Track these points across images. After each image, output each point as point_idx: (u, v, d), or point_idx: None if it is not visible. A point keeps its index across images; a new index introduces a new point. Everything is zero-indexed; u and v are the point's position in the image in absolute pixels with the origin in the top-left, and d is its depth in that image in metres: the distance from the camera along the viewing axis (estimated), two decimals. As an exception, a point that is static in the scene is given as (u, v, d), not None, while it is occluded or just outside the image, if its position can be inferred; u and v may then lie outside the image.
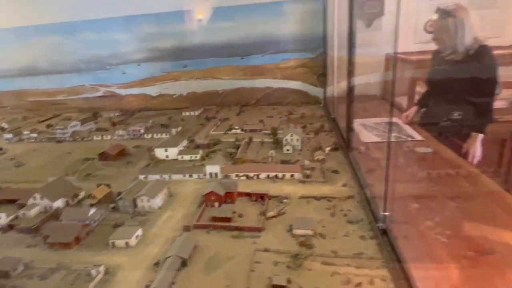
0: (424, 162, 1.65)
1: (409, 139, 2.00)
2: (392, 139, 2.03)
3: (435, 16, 1.80)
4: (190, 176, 2.29)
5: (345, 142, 2.10)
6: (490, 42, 3.10)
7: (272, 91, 4.62)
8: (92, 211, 1.86)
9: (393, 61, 3.38)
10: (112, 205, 1.99)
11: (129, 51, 4.44)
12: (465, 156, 1.86)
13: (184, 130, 3.59)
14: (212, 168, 2.23)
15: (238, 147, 2.72)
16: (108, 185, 2.13)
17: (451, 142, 2.00)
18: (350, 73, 1.85)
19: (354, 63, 1.99)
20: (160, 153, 2.72)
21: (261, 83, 4.59)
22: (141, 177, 2.28)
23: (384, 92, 3.41)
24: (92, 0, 3.99)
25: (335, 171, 2.04)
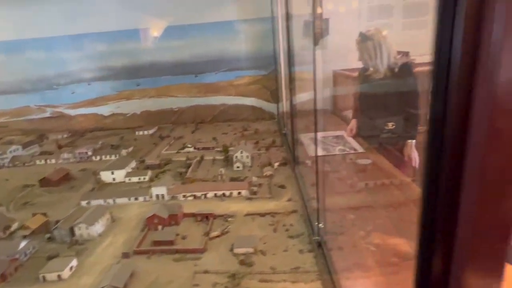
0: (363, 173, 1.79)
1: (352, 151, 2.17)
2: (337, 152, 2.19)
3: (358, 39, 2.06)
4: (136, 199, 2.24)
5: (293, 157, 2.21)
6: (425, 59, 3.50)
7: (227, 108, 4.70)
8: (24, 243, 1.74)
9: (334, 78, 3.67)
10: (48, 235, 1.88)
11: (78, 70, 4.30)
12: (407, 161, 2.09)
13: (135, 151, 3.50)
14: (158, 190, 2.20)
15: (189, 166, 2.73)
16: (44, 214, 2.02)
17: (389, 152, 2.22)
18: (292, 90, 1.98)
19: (294, 80, 2.13)
20: (106, 176, 2.64)
21: (216, 100, 4.66)
22: (83, 203, 2.18)
23: (334, 106, 3.64)
24: (37, 18, 3.84)
25: (282, 186, 2.13)
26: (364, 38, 1.99)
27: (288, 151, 2.67)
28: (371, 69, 2.06)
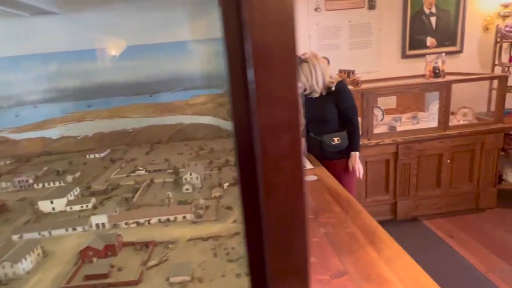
0: (308, 190, 1.84)
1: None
2: None
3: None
4: (74, 229, 2.12)
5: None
6: (372, 76, 3.74)
7: (184, 127, 4.64)
8: None
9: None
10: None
11: (23, 92, 4.07)
12: (352, 173, 2.20)
13: (82, 176, 3.34)
14: (98, 218, 2.11)
15: (137, 191, 2.64)
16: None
17: (336, 166, 2.32)
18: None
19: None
20: (45, 205, 2.48)
21: (172, 119, 4.59)
22: (15, 237, 2.03)
23: None
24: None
25: (229, 208, 2.12)
26: (300, 61, 2.11)
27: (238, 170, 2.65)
28: (308, 90, 2.17)
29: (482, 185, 3.18)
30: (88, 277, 1.55)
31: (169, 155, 3.79)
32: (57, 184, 3.03)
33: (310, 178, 2.03)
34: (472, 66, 3.83)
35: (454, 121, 3.26)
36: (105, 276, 1.55)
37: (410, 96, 3.67)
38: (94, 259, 1.70)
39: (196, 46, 4.08)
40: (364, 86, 3.07)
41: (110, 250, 1.76)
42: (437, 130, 3.01)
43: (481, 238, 2.78)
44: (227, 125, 4.45)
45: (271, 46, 0.27)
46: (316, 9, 3.51)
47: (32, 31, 3.79)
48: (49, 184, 3.06)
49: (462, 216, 3.16)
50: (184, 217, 2.02)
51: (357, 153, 2.26)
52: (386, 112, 3.69)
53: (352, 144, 2.26)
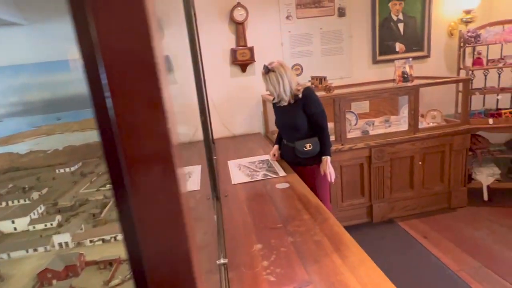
0: (279, 198, 1.84)
1: (274, 176, 2.24)
2: (260, 178, 2.23)
3: (262, 72, 2.20)
4: (35, 250, 2.04)
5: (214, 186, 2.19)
6: (344, 81, 3.82)
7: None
8: None
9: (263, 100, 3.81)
10: None
11: None
12: (325, 178, 2.21)
13: (50, 192, 3.22)
14: (61, 237, 2.03)
15: (106, 206, 2.57)
16: None
17: (308, 172, 2.33)
18: (205, 121, 1.99)
19: (205, 109, 2.15)
20: (5, 226, 2.36)
21: None
22: (-27, 260, 1.92)
23: (266, 130, 3.75)
24: None
25: (200, 219, 2.10)
26: (267, 70, 2.12)
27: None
28: (276, 98, 2.18)
29: (453, 185, 3.29)
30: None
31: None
32: (21, 202, 2.91)
33: (282, 185, 2.03)
34: (440, 70, 3.99)
35: (424, 123, 3.37)
36: (64, 298, 1.49)
37: (383, 100, 3.76)
38: (54, 281, 1.63)
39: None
40: (337, 91, 3.13)
41: (71, 270, 1.69)
42: (408, 133, 3.09)
43: (453, 237, 2.86)
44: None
45: (126, 72, 0.25)
46: (287, 17, 3.57)
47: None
48: (13, 202, 2.93)
49: (435, 216, 3.24)
50: None
51: (328, 157, 2.28)
52: (360, 116, 3.77)
53: (323, 149, 2.28)
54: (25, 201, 2.98)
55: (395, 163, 3.17)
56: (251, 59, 3.55)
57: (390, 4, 3.71)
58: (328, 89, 3.13)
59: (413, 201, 3.29)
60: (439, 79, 3.29)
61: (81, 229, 2.22)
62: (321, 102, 2.24)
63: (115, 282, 1.58)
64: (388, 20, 3.75)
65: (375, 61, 3.81)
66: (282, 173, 2.25)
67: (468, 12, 3.68)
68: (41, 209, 2.59)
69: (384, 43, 3.79)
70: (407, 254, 2.69)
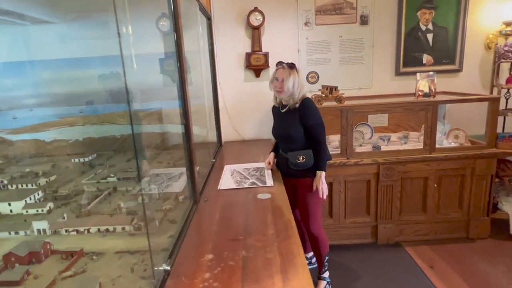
0: (254, 209, 1.80)
1: (261, 185, 2.19)
2: (246, 185, 2.20)
3: (283, 65, 2.14)
4: (17, 233, 2.17)
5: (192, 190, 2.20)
6: (363, 92, 3.65)
7: (171, 136, 4.69)
8: None
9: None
10: None
11: (21, 96, 4.30)
12: (316, 193, 2.17)
13: (57, 180, 3.42)
14: (40, 224, 2.15)
15: (96, 198, 2.68)
16: None
17: (300, 184, 2.26)
18: (186, 124, 2.01)
19: (187, 113, 2.17)
20: (3, 207, 2.55)
21: (159, 128, 4.66)
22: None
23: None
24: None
25: (173, 221, 2.10)
26: (291, 65, 2.18)
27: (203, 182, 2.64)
28: (286, 98, 2.17)
29: (473, 213, 3.00)
30: (2, 283, 1.55)
31: (150, 163, 3.84)
32: (29, 186, 3.14)
33: (263, 196, 1.99)
34: (473, 86, 3.67)
35: (445, 142, 3.12)
36: (16, 283, 1.56)
37: (404, 115, 3.55)
38: (16, 265, 1.73)
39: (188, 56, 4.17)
40: (348, 102, 3.01)
41: (34, 257, 1.78)
42: (422, 152, 2.88)
43: (463, 270, 2.61)
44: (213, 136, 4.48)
45: None
46: (306, 24, 3.50)
47: (32, 39, 4.02)
48: (22, 186, 3.17)
49: (448, 245, 2.98)
50: (123, 228, 2.03)
51: (323, 172, 2.19)
52: (377, 130, 3.58)
53: (318, 163, 2.19)
54: (32, 185, 3.22)
55: (406, 183, 2.97)
56: (265, 64, 3.53)
57: (419, 13, 3.49)
58: (339, 99, 3.02)
59: (425, 226, 3.06)
60: (466, 96, 3.03)
61: (64, 218, 2.34)
62: (319, 114, 2.17)
63: (68, 273, 1.64)
64: (415, 29, 3.53)
65: (398, 73, 3.61)
66: (270, 182, 2.21)
67: (508, 24, 3.35)
68: (39, 195, 2.78)
69: (410, 54, 3.58)
70: (406, 283, 2.50)
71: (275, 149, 2.54)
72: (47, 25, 4.08)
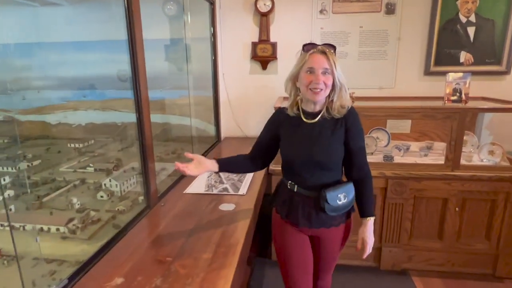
0: (206, 224, 1.56)
1: (233, 192, 1.93)
2: (215, 192, 1.96)
3: (316, 50, 1.33)
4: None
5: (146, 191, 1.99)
6: (383, 93, 3.21)
7: (170, 127, 4.57)
8: None
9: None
10: None
11: (30, 78, 4.42)
12: (343, 243, 1.60)
13: (40, 165, 3.36)
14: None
15: (58, 189, 2.56)
16: None
17: (333, 235, 1.54)
18: (139, 118, 1.81)
19: (139, 106, 1.95)
20: None
21: (159, 118, 4.55)
22: None
23: None
24: None
25: (117, 226, 1.91)
26: (334, 47, 1.66)
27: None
28: (293, 113, 1.53)
29: (503, 246, 2.50)
30: None
31: (138, 155, 3.71)
32: (9, 169, 3.13)
33: (226, 207, 1.73)
34: None
35: (475, 159, 2.63)
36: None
37: (431, 121, 3.08)
38: None
39: (192, 44, 3.97)
40: (363, 104, 2.61)
41: None
42: (443, 168, 2.43)
43: None
44: (212, 128, 4.27)
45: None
46: (321, 11, 3.13)
47: (41, 20, 4.06)
48: (2, 168, 3.17)
49: (467, 281, 2.52)
50: (57, 229, 1.85)
51: (372, 218, 1.49)
52: (397, 137, 3.15)
53: (364, 205, 1.46)
54: (12, 169, 3.21)
55: (420, 202, 2.54)
56: (273, 56, 3.23)
57: (459, 2, 2.96)
58: (347, 99, 2.64)
59: (440, 254, 2.61)
60: (506, 104, 2.51)
61: (10, 210, 2.25)
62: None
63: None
64: (453, 22, 3.01)
65: (427, 72, 3.13)
66: (242, 191, 1.95)
67: None
68: (5, 180, 2.71)
69: (444, 50, 3.07)
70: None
71: (226, 163, 1.54)
72: (55, 7, 4.07)
